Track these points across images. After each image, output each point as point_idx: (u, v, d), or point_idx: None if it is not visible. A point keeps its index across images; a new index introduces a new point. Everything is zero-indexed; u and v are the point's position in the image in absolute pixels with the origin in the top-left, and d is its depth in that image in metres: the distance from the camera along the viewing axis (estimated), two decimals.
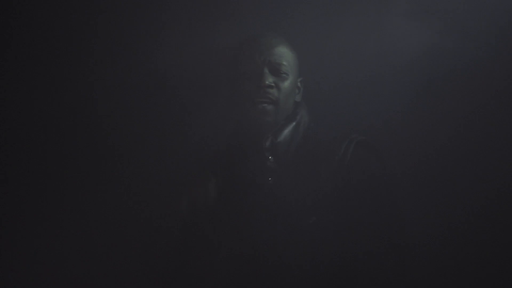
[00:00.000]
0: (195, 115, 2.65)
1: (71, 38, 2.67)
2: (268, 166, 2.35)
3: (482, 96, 2.63)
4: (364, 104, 2.64)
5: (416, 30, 2.65)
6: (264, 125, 2.35)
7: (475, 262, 2.58)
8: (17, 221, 2.64)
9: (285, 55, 2.38)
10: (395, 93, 2.63)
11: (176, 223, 2.36)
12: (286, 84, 2.36)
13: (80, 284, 2.59)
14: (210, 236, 2.31)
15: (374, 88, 2.65)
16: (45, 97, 2.68)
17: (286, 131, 2.39)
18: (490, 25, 2.64)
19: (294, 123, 2.40)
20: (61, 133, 2.68)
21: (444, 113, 2.63)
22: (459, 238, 2.59)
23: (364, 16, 2.68)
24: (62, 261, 2.62)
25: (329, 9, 2.69)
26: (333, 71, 2.64)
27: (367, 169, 2.35)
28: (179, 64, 2.66)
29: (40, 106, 2.68)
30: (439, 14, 2.65)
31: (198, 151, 2.48)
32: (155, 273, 2.37)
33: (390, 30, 2.68)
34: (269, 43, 2.37)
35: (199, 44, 2.68)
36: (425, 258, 2.55)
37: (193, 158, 2.48)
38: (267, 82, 2.32)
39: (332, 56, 2.65)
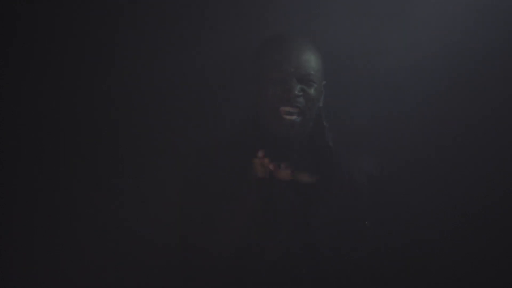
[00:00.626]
0: (209, 115, 2.67)
1: (88, 37, 2.68)
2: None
3: (489, 96, 2.65)
4: (369, 104, 2.66)
5: (426, 33, 2.66)
6: (289, 137, 2.33)
7: (479, 262, 2.59)
8: (17, 221, 2.64)
9: (312, 62, 2.35)
10: (403, 92, 2.65)
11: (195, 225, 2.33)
12: (312, 91, 2.34)
13: (80, 284, 2.59)
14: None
15: (381, 88, 2.67)
16: (52, 98, 2.68)
17: (309, 140, 2.38)
18: (496, 26, 2.65)
19: (315, 130, 2.39)
20: (66, 134, 2.68)
21: (450, 113, 2.65)
22: (463, 237, 2.60)
23: (371, 19, 2.69)
24: (62, 261, 2.62)
25: (332, 9, 2.70)
26: (338, 71, 2.64)
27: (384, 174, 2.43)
28: (202, 63, 2.68)
29: (46, 107, 2.68)
30: (448, 16, 2.66)
31: (210, 149, 2.45)
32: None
33: (395, 30, 2.69)
34: (296, 50, 2.34)
35: (220, 43, 2.69)
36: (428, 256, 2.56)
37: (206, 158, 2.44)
38: (296, 92, 2.30)
39: (335, 57, 2.65)
